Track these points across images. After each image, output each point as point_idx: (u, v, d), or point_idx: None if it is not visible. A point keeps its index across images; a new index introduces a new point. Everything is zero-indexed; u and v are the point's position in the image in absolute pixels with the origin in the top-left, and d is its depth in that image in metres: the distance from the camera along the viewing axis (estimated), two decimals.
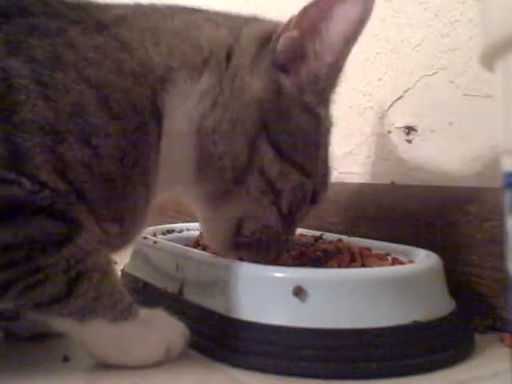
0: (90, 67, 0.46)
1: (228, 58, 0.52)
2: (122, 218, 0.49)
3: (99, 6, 0.52)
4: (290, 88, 0.52)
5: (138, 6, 0.53)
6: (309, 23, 0.51)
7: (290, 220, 0.56)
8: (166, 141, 0.50)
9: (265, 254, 0.56)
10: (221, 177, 0.52)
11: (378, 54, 0.81)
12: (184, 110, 0.50)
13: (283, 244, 0.56)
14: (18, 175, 0.42)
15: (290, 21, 0.52)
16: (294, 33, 0.51)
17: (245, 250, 0.56)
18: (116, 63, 0.47)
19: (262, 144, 0.51)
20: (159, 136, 0.49)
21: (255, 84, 0.51)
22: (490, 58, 0.31)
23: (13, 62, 0.43)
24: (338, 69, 0.53)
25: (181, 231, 0.80)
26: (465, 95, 0.69)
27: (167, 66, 0.50)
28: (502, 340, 0.56)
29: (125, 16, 0.50)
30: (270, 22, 0.56)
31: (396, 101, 0.78)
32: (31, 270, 0.43)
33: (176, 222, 0.83)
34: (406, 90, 0.76)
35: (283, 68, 0.52)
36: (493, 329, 0.58)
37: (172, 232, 0.78)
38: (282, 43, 0.52)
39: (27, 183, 0.42)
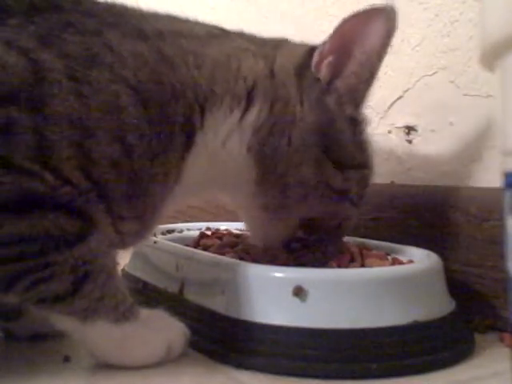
0: (128, 70, 0.47)
1: (272, 88, 0.54)
2: (142, 216, 0.49)
3: (135, 14, 0.53)
4: (333, 106, 0.55)
5: (173, 23, 0.55)
6: (341, 46, 0.54)
7: (357, 204, 0.59)
8: (201, 153, 0.52)
9: (326, 252, 0.58)
10: (285, 191, 0.55)
11: None
12: (235, 135, 0.53)
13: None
14: (41, 168, 0.43)
15: (324, 46, 0.54)
16: (331, 58, 0.54)
17: (302, 251, 0.58)
18: (155, 73, 0.48)
19: (326, 165, 0.54)
20: (186, 148, 0.51)
21: (309, 115, 0.54)
22: (489, 57, 0.31)
23: (45, 55, 0.44)
24: (373, 80, 0.56)
25: (181, 231, 0.80)
26: (465, 95, 0.69)
27: (210, 90, 0.52)
28: (501, 340, 0.56)
29: (162, 32, 0.51)
30: (299, 46, 0.58)
31: (396, 101, 0.78)
32: (40, 264, 0.43)
33: (176, 222, 0.83)
34: (406, 90, 0.76)
35: (325, 90, 0.55)
36: (493, 329, 0.58)
37: (172, 232, 0.78)
38: (324, 72, 0.54)
39: (50, 177, 0.43)
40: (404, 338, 0.48)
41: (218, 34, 0.56)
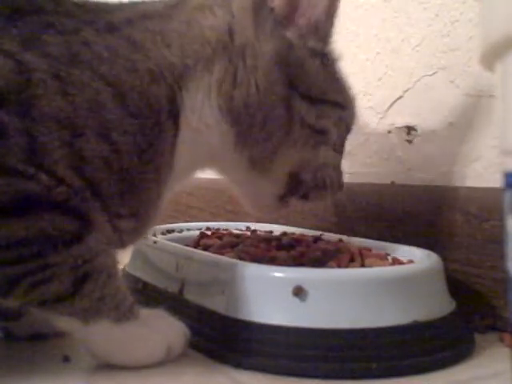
0: (104, 65, 0.47)
1: (231, 36, 0.53)
2: (137, 213, 0.49)
3: (106, 8, 0.53)
4: (294, 39, 0.54)
5: (137, 7, 0.54)
6: None
7: (340, 151, 0.59)
8: (186, 136, 0.51)
9: (325, 194, 0.58)
10: (266, 140, 0.54)
11: (378, 53, 0.81)
12: (206, 102, 0.52)
13: (339, 179, 0.60)
14: (36, 170, 0.43)
15: None
16: None
17: (298, 201, 0.58)
18: (129, 63, 0.48)
19: (295, 99, 0.53)
20: (175, 135, 0.51)
21: (267, 48, 0.53)
22: (489, 58, 0.31)
23: (29, 57, 0.44)
24: (334, 10, 0.55)
25: (181, 231, 0.80)
26: (465, 95, 0.69)
27: (184, 65, 0.51)
28: (501, 340, 0.56)
29: (130, 18, 0.51)
30: None
31: (396, 101, 0.78)
32: (40, 266, 0.43)
33: (176, 222, 0.83)
34: (406, 90, 0.76)
35: (283, 23, 0.54)
36: (493, 329, 0.58)
37: (172, 232, 0.78)
38: (277, 2, 0.53)
39: (44, 178, 0.43)
40: (404, 338, 0.48)
41: (175, 3, 0.55)
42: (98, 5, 0.53)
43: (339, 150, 0.59)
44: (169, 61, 0.50)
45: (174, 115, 0.50)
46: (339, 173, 0.60)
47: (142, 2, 0.56)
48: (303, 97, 0.53)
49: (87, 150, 0.45)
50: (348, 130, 0.59)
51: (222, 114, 0.52)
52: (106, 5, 0.54)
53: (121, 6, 0.54)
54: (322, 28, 0.55)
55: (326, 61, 0.56)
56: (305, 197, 0.59)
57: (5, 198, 0.42)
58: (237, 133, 0.53)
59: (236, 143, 0.54)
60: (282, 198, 0.58)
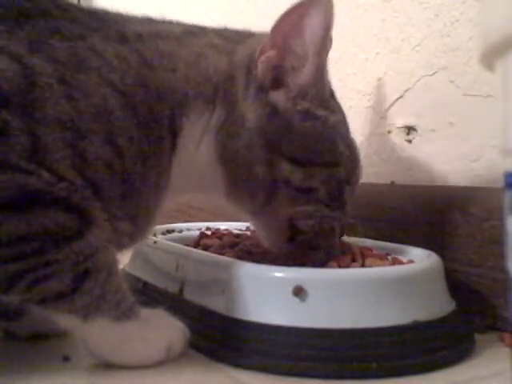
0: (114, 73, 0.48)
1: (232, 84, 0.54)
2: (135, 217, 0.50)
3: (116, 18, 0.54)
4: (284, 102, 0.54)
5: (151, 24, 0.55)
6: (281, 41, 0.52)
7: (339, 204, 0.57)
8: (182, 157, 0.53)
9: (326, 243, 0.57)
10: (252, 197, 0.55)
11: (377, 54, 0.81)
12: (205, 139, 0.53)
13: (339, 229, 0.58)
14: (37, 167, 0.43)
15: (265, 42, 0.53)
16: (270, 54, 0.53)
17: (304, 246, 0.57)
18: (140, 76, 0.49)
19: (278, 161, 0.53)
20: (172, 150, 0.52)
21: (250, 113, 0.53)
22: (489, 57, 0.31)
23: (35, 60, 0.45)
24: (322, 72, 0.55)
25: (181, 231, 0.80)
26: (465, 95, 0.69)
27: (185, 93, 0.52)
28: (502, 340, 0.56)
29: (141, 35, 0.52)
30: (255, 42, 0.56)
31: (396, 101, 0.78)
32: (40, 263, 0.44)
33: (176, 222, 0.83)
34: (406, 90, 0.76)
35: (273, 85, 0.54)
36: (493, 329, 0.58)
37: (172, 232, 0.78)
38: (260, 68, 0.53)
39: (46, 174, 0.43)
40: (404, 338, 0.48)
41: (193, 31, 0.56)
42: (107, 13, 0.54)
43: (334, 204, 0.56)
44: (172, 85, 0.51)
45: (172, 134, 0.51)
46: (334, 223, 0.57)
47: (158, 21, 0.56)
48: (288, 159, 0.53)
49: (90, 152, 0.45)
50: (342, 185, 0.57)
51: (217, 158, 0.54)
52: (116, 15, 0.54)
53: (133, 18, 0.55)
54: (311, 91, 0.54)
55: (321, 123, 0.55)
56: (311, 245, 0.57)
57: (6, 193, 0.42)
58: (228, 181, 0.55)
59: (228, 190, 0.55)
60: (290, 240, 0.57)
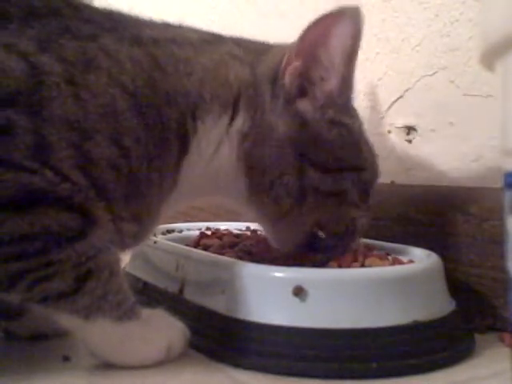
0: (126, 75, 0.48)
1: (255, 92, 0.54)
2: (139, 218, 0.50)
3: (131, 21, 0.54)
4: (312, 112, 0.54)
5: (167, 29, 0.55)
6: (308, 51, 0.53)
7: (366, 205, 0.58)
8: (195, 161, 0.53)
9: (346, 244, 0.58)
10: (276, 203, 0.55)
11: (377, 54, 0.81)
12: (227, 144, 0.53)
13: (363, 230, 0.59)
14: (41, 166, 0.43)
15: (291, 52, 0.53)
16: (297, 64, 0.53)
17: (322, 251, 0.58)
18: (151, 80, 0.49)
19: (307, 170, 0.54)
20: (180, 154, 0.52)
21: (280, 124, 0.54)
22: (489, 57, 0.31)
23: (44, 59, 0.45)
24: (349, 82, 0.55)
25: (181, 231, 0.79)
26: (465, 95, 0.69)
27: (200, 96, 0.52)
28: (502, 340, 0.56)
29: (158, 39, 0.52)
30: (278, 53, 0.56)
31: (396, 101, 0.78)
32: (43, 262, 0.44)
33: (176, 222, 0.83)
34: (406, 90, 0.76)
35: (300, 94, 0.54)
36: (493, 329, 0.58)
37: (172, 232, 0.78)
38: (287, 79, 0.54)
39: (49, 174, 0.43)
40: (404, 338, 0.48)
41: (210, 40, 0.56)
42: (123, 15, 0.54)
43: (361, 205, 0.58)
44: (185, 89, 0.51)
45: (182, 137, 0.51)
46: (360, 225, 0.58)
47: (174, 26, 0.56)
48: (317, 167, 0.54)
49: (96, 152, 0.45)
50: (367, 186, 0.58)
51: (239, 162, 0.54)
52: (133, 18, 0.54)
53: (150, 23, 0.55)
54: (338, 100, 0.55)
55: (347, 129, 0.56)
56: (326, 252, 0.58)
57: (10, 192, 0.42)
58: (250, 185, 0.55)
59: (249, 194, 0.55)
60: (302, 246, 0.58)
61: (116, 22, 0.52)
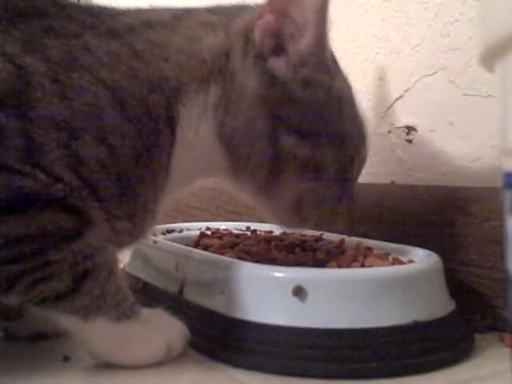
0: (104, 70, 0.47)
1: (226, 59, 0.53)
2: (134, 215, 0.49)
3: (109, 13, 0.53)
4: (284, 70, 0.52)
5: (141, 13, 0.54)
6: (281, 6, 0.51)
7: (347, 181, 0.56)
8: (182, 147, 0.52)
9: (333, 217, 0.57)
10: (256, 173, 0.53)
11: (377, 53, 0.81)
12: (204, 122, 0.52)
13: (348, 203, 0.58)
14: (32, 168, 0.43)
15: (263, 8, 0.52)
16: (269, 18, 0.51)
17: (313, 221, 0.57)
18: (130, 70, 0.48)
19: (281, 134, 0.52)
20: (171, 144, 0.51)
21: (250, 82, 0.52)
22: (489, 58, 0.31)
23: (29, 60, 0.45)
24: (323, 39, 0.53)
25: (181, 231, 0.80)
26: (465, 95, 0.69)
27: (179, 80, 0.51)
28: (502, 340, 0.56)
29: (133, 26, 0.51)
30: (252, 12, 0.55)
31: (396, 101, 0.78)
32: (40, 263, 0.44)
33: (176, 222, 0.83)
34: (406, 90, 0.76)
35: (274, 52, 0.52)
36: (493, 329, 0.58)
37: (172, 232, 0.78)
38: (257, 33, 0.52)
39: (41, 176, 0.43)
40: (404, 338, 0.48)
41: (181, 15, 0.54)
42: (101, 9, 0.53)
43: (341, 181, 0.55)
44: (165, 74, 0.50)
45: (171, 125, 0.51)
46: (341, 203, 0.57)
47: (148, 10, 0.56)
48: (292, 131, 0.52)
49: (84, 152, 0.45)
50: (352, 161, 0.56)
51: (216, 137, 0.52)
52: (110, 9, 0.54)
53: (125, 11, 0.54)
54: (313, 59, 0.53)
55: (323, 91, 0.53)
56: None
57: (3, 195, 0.42)
58: (230, 159, 0.53)
59: (232, 169, 0.54)
60: (298, 217, 0.57)
61: (95, 17, 0.51)
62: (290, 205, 0.56)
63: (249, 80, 0.52)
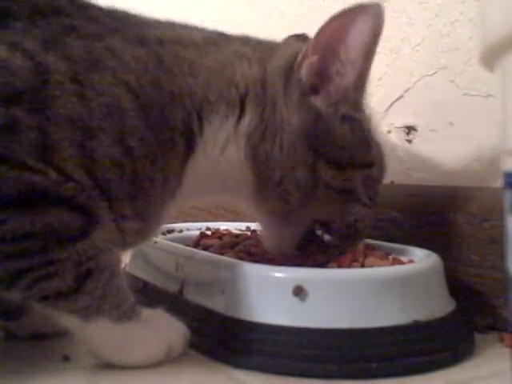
0: (130, 74, 0.48)
1: (263, 88, 0.54)
2: (142, 216, 0.50)
3: (137, 21, 0.54)
4: (325, 107, 0.54)
5: (172, 29, 0.55)
6: (326, 46, 0.53)
7: (373, 203, 0.59)
8: (201, 161, 0.53)
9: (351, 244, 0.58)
10: (285, 198, 0.55)
11: (378, 53, 0.81)
12: (233, 144, 0.54)
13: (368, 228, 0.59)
14: (45, 165, 0.43)
15: (307, 47, 0.53)
16: (314, 58, 0.53)
17: (319, 251, 0.58)
18: (156, 79, 0.49)
19: (320, 165, 0.54)
20: (186, 154, 0.52)
21: (293, 118, 0.54)
22: (489, 57, 0.31)
23: (49, 58, 0.45)
24: (364, 79, 0.56)
25: (181, 231, 0.80)
26: (465, 95, 0.69)
27: (205, 97, 0.52)
28: (501, 340, 0.56)
29: (162, 40, 0.52)
30: (291, 48, 0.57)
31: (396, 101, 0.78)
32: (44, 261, 0.44)
33: (176, 222, 0.83)
34: (406, 90, 0.76)
35: (313, 90, 0.54)
36: (493, 329, 0.58)
37: (172, 232, 0.78)
38: (304, 73, 0.54)
39: (53, 173, 0.43)
40: (404, 338, 0.48)
41: (215, 40, 0.56)
42: (128, 15, 0.54)
43: (368, 203, 0.58)
44: (190, 89, 0.51)
45: (187, 137, 0.51)
46: (365, 224, 0.59)
47: (179, 26, 0.56)
48: (330, 163, 0.54)
49: (99, 151, 0.45)
50: (377, 184, 0.59)
51: (246, 160, 0.54)
52: (137, 18, 0.54)
53: (155, 23, 0.55)
54: (352, 97, 0.55)
55: (359, 125, 0.56)
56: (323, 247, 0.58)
57: (13, 190, 0.42)
58: (258, 181, 0.55)
59: (256, 191, 0.55)
60: (300, 245, 0.58)
61: (120, 21, 0.52)
62: (299, 231, 0.57)
63: (293, 115, 0.54)
